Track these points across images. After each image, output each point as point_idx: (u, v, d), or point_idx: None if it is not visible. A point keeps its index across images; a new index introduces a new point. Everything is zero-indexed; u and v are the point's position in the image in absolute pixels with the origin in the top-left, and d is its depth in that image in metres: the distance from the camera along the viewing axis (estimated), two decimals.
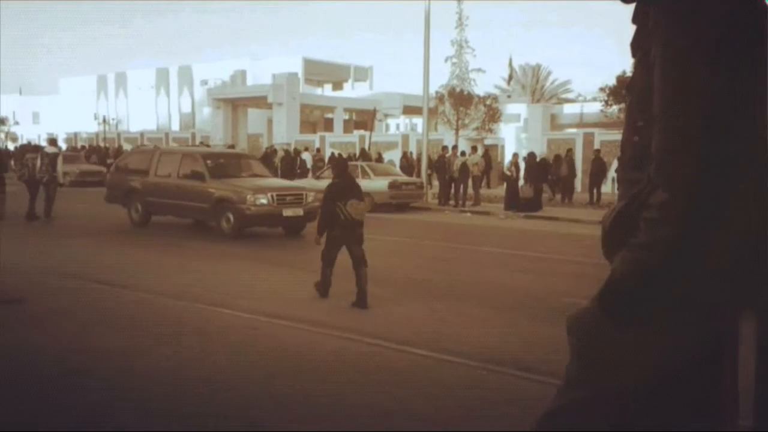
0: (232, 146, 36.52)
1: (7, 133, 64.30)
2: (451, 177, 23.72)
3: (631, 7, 1.78)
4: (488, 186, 28.82)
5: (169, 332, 6.04)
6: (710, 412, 1.82)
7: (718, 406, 1.84)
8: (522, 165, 24.20)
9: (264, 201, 13.64)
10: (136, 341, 5.70)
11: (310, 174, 27.72)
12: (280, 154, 31.56)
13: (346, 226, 7.84)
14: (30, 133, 63.14)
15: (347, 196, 7.92)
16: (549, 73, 58.35)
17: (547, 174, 24.29)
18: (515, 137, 38.06)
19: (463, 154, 25.07)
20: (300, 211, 13.98)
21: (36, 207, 16.19)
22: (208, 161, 15.04)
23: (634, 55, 1.78)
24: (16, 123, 66.36)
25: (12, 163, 29.25)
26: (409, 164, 29.03)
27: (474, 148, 26.10)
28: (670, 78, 1.56)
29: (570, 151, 28.15)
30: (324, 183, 22.17)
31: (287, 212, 13.84)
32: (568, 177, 25.95)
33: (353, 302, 7.58)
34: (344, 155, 25.62)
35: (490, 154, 30.62)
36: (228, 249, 12.37)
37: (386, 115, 52.42)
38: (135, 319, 6.52)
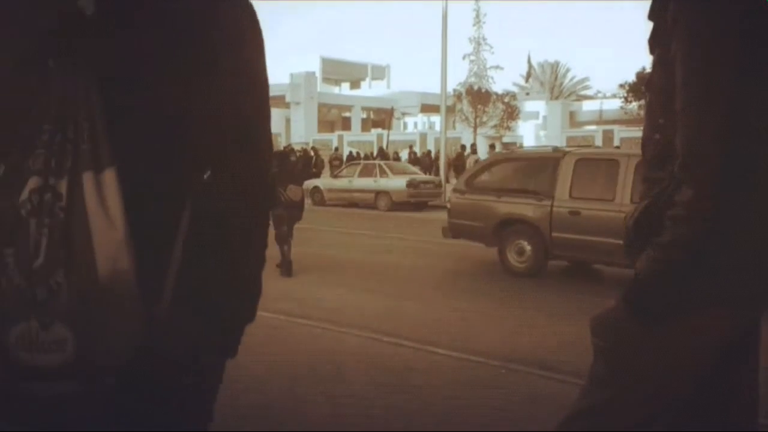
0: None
1: None
2: None
3: (648, 1, 1.77)
4: None
5: None
6: (732, 410, 1.81)
7: (740, 405, 1.83)
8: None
9: None
10: None
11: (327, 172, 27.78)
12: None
13: (287, 206, 9.46)
14: None
15: (287, 183, 9.62)
16: (567, 70, 58.12)
17: None
18: (534, 135, 37.96)
19: (475, 152, 25.00)
20: None
21: None
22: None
23: (651, 52, 1.76)
24: None
25: None
26: (413, 161, 28.97)
27: (492, 146, 26.03)
28: (696, 73, 1.55)
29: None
30: (341, 181, 22.46)
31: None
32: None
33: (281, 271, 9.25)
34: (362, 154, 25.51)
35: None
36: None
37: (404, 114, 52.41)
38: None
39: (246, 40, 1.35)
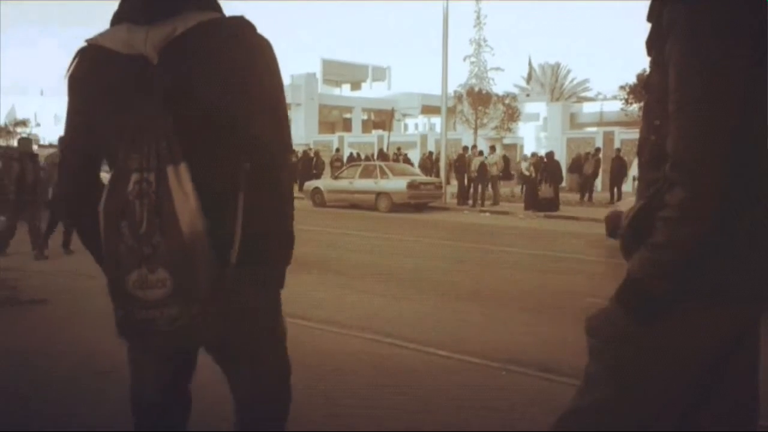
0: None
1: (29, 135, 64.98)
2: (470, 177, 23.68)
3: (647, 2, 1.78)
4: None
5: None
6: (731, 411, 1.82)
7: (739, 405, 1.83)
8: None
9: None
10: None
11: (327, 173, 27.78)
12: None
13: None
14: (52, 134, 63.73)
15: None
16: (568, 72, 58.12)
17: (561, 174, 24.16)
18: (534, 136, 37.94)
19: (481, 153, 25.00)
20: None
21: None
22: None
23: (649, 53, 1.77)
24: (38, 125, 67.03)
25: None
26: (399, 161, 28.96)
27: (492, 148, 25.99)
28: (688, 76, 1.56)
29: (598, 150, 27.83)
30: (341, 182, 22.48)
31: None
32: (590, 176, 25.82)
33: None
34: (362, 155, 25.40)
35: (508, 156, 30.45)
36: None
37: (404, 115, 52.42)
38: None
39: (265, 71, 1.91)
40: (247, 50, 1.86)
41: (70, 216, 2.08)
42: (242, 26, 1.89)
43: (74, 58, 1.95)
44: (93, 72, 1.90)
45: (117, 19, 1.93)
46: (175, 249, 1.73)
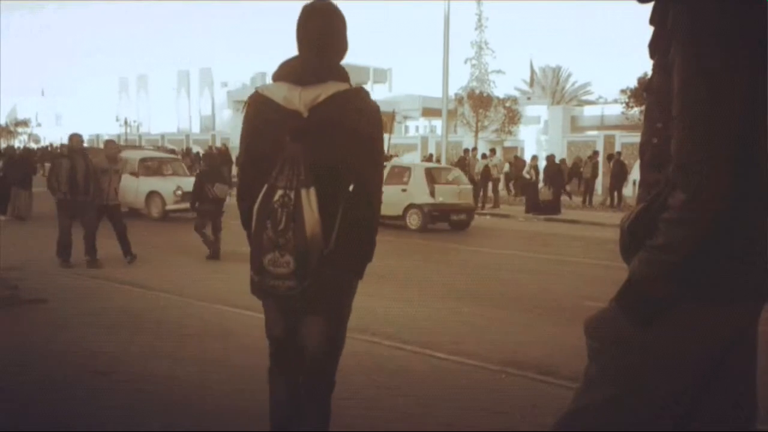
0: None
1: (30, 135, 64.94)
2: (472, 179, 23.68)
3: (649, 6, 1.78)
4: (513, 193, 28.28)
5: (193, 333, 6.10)
6: (729, 411, 1.82)
7: (737, 405, 1.83)
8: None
9: None
10: (161, 343, 5.75)
11: None
12: None
13: (213, 202, 11.17)
14: (52, 134, 63.77)
15: (214, 180, 11.29)
16: (569, 75, 58.09)
17: (564, 178, 24.12)
18: (535, 139, 37.93)
19: (484, 156, 24.98)
20: None
21: None
22: None
23: (651, 56, 1.77)
24: (39, 125, 67.01)
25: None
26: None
27: (492, 151, 25.94)
28: (692, 80, 1.56)
29: (595, 154, 27.77)
30: None
31: None
32: (590, 179, 25.81)
33: (208, 255, 10.94)
34: None
35: (516, 160, 30.29)
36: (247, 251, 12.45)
37: (405, 117, 52.34)
38: (159, 321, 6.58)
39: (374, 134, 2.79)
40: (366, 122, 2.73)
41: (242, 209, 2.87)
42: (364, 99, 2.77)
43: (248, 100, 2.83)
44: (259, 113, 2.78)
45: (278, 77, 2.79)
46: (299, 244, 2.57)
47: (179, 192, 17.11)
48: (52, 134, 63.58)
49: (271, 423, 3.01)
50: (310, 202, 2.57)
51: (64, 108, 72.66)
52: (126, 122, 52.21)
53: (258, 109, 2.78)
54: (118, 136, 54.06)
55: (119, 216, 10.62)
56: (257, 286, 2.75)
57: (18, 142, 57.96)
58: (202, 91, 61.44)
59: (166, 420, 4.12)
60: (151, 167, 18.77)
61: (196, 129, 58.83)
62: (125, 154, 17.22)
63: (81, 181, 9.89)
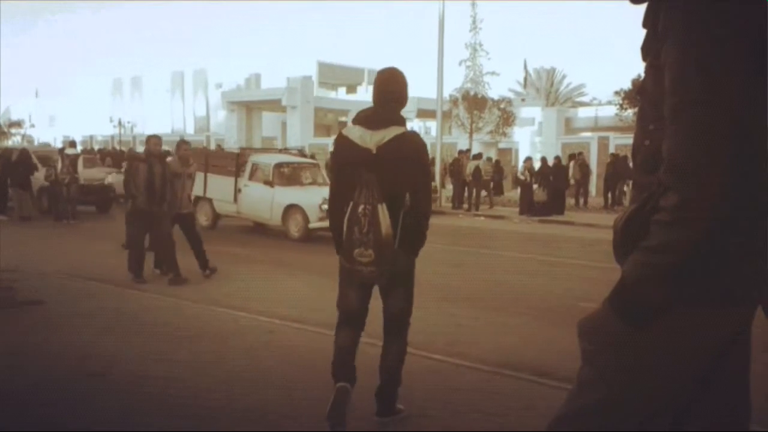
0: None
1: (23, 136, 64.70)
2: (464, 180, 23.68)
3: (643, 8, 1.79)
4: (501, 192, 28.40)
5: (187, 335, 6.10)
6: (723, 412, 1.83)
7: (731, 406, 1.84)
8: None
9: None
10: (156, 344, 5.76)
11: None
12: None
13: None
14: (46, 135, 63.54)
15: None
16: (563, 77, 58.06)
17: (565, 176, 24.05)
18: (529, 141, 37.93)
19: (476, 157, 24.93)
20: None
21: (60, 207, 16.91)
22: None
23: (644, 58, 1.77)
24: (32, 126, 66.75)
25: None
26: None
27: (479, 155, 25.61)
28: (683, 81, 1.56)
29: (581, 155, 27.65)
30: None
31: None
32: (581, 181, 25.77)
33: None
34: None
35: (501, 162, 30.33)
36: (244, 252, 12.45)
37: None
38: (155, 323, 6.59)
39: (426, 168, 4.08)
40: (417, 156, 3.93)
41: (333, 224, 4.00)
42: (415, 139, 3.98)
43: (336, 140, 4.07)
44: (343, 150, 3.98)
45: (356, 121, 3.96)
46: (378, 241, 3.68)
47: (325, 206, 12.98)
48: (46, 135, 63.35)
49: (334, 359, 4.14)
50: (383, 212, 3.69)
51: (57, 109, 72.32)
52: (120, 123, 52.02)
53: (341, 145, 3.98)
54: (112, 137, 54.02)
55: (194, 226, 9.86)
56: (347, 270, 3.90)
57: (11, 143, 57.75)
58: (197, 92, 61.25)
59: (162, 421, 4.13)
60: (287, 175, 15.51)
61: (190, 130, 58.58)
62: (253, 158, 15.51)
63: (159, 188, 9.14)
